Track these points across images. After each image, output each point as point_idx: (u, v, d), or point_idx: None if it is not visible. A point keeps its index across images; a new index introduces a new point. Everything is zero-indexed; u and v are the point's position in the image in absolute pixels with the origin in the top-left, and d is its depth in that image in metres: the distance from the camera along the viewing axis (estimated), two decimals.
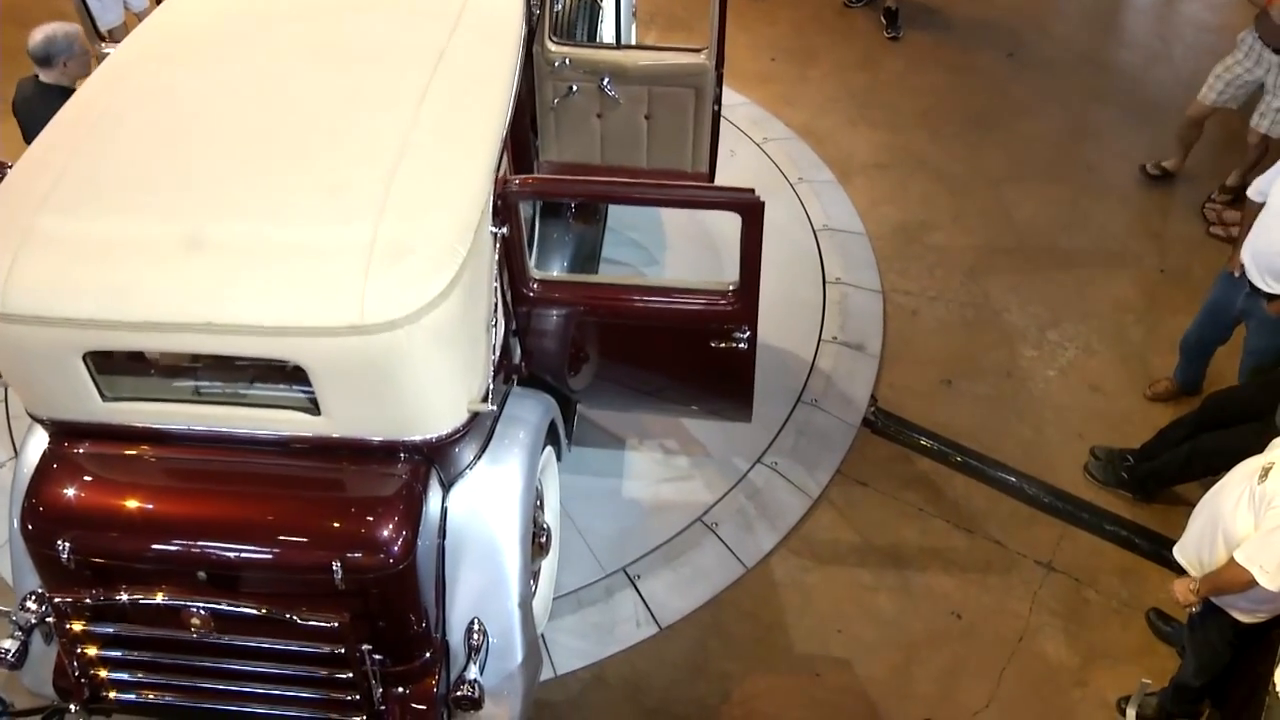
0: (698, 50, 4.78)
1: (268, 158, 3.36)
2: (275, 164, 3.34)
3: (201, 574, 3.29)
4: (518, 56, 3.86)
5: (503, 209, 3.45)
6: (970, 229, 6.23)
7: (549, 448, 4.22)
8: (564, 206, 5.28)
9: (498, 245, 3.44)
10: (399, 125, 3.42)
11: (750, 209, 3.47)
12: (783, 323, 5.52)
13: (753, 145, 6.68)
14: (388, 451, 3.40)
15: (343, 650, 3.24)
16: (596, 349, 4.05)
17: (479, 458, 3.68)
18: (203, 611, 3.23)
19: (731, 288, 3.73)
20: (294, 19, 3.91)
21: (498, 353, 3.62)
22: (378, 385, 3.18)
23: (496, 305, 3.49)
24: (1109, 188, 6.49)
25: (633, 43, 6.09)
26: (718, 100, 4.92)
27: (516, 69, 3.82)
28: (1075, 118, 7.08)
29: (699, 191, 3.60)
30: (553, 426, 4.19)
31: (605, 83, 4.83)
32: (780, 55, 7.53)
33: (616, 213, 5.72)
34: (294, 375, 3.25)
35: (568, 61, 4.77)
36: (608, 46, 4.89)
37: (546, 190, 3.59)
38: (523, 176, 3.52)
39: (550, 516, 4.38)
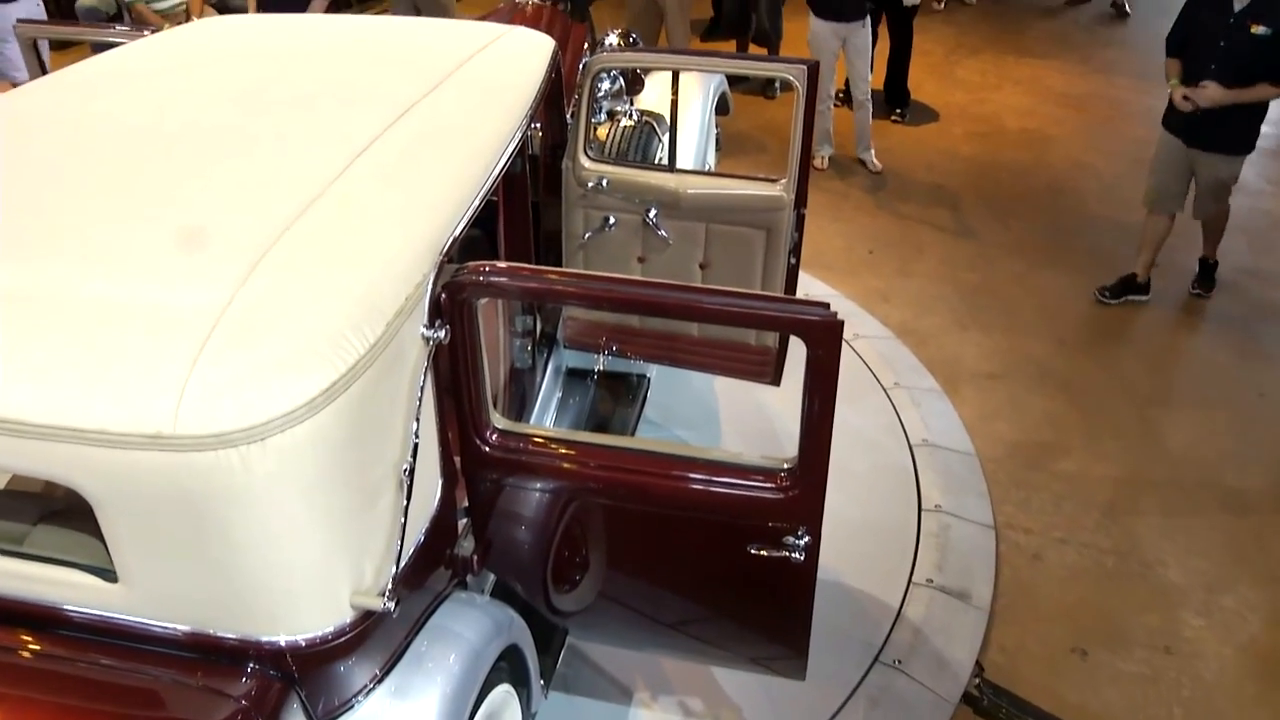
0: (773, 180, 3.73)
1: (134, 200, 2.34)
2: (139, 207, 2.31)
3: None
4: (515, 132, 2.87)
5: (448, 306, 2.35)
6: (1108, 456, 4.93)
7: (508, 688, 2.91)
8: (589, 374, 4.19)
9: (429, 356, 2.32)
10: (321, 173, 2.40)
11: (820, 331, 2.27)
12: (862, 553, 4.24)
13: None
14: (231, 657, 2.18)
15: None
16: (588, 548, 2.79)
17: (378, 684, 2.41)
18: None
19: (786, 467, 2.49)
20: (246, 60, 3.09)
21: (421, 527, 2.43)
22: (196, 539, 2.00)
23: (416, 449, 2.30)
24: None
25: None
26: (795, 250, 3.81)
27: (509, 145, 2.82)
28: (1237, 335, 5.86)
29: (738, 301, 2.39)
30: (520, 658, 2.88)
31: (651, 215, 3.79)
32: (879, 248, 6.53)
33: (660, 394, 4.59)
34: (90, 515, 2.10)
35: (604, 183, 3.75)
36: (658, 168, 3.87)
37: (517, 285, 2.46)
38: (485, 263, 2.41)
39: None
